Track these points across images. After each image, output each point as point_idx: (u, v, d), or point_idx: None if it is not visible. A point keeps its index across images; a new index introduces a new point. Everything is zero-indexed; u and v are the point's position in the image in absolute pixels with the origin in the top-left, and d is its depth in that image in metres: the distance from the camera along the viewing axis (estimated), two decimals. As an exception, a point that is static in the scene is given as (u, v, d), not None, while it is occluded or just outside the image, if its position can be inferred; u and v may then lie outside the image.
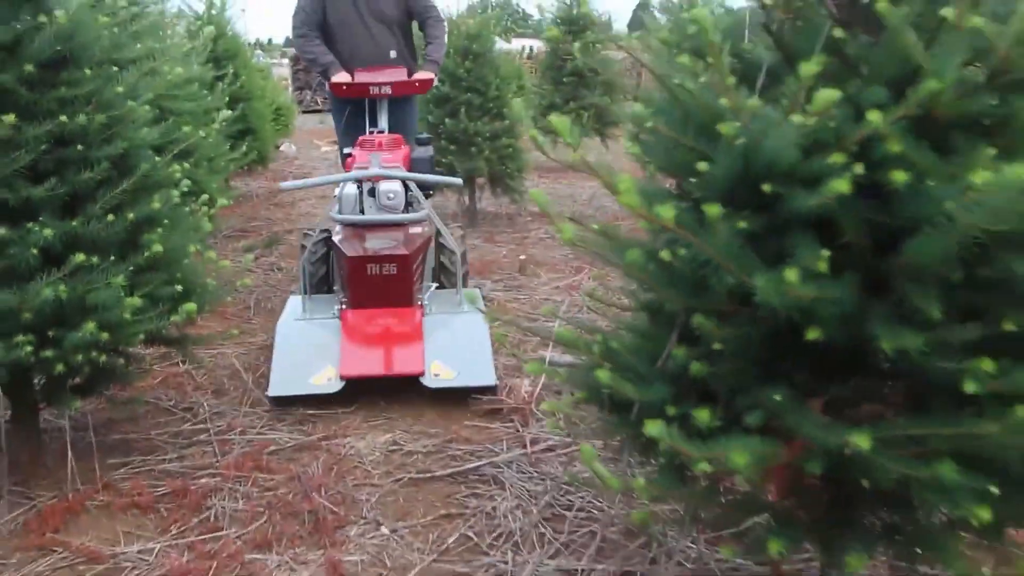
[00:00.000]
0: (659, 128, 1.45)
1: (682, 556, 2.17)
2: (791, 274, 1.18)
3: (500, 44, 7.12)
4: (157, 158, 2.61)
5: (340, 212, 3.53)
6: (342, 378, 3.12)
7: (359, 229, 3.50)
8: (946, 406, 1.34)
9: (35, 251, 2.23)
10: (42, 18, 2.29)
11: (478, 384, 3.18)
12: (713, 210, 1.25)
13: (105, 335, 2.26)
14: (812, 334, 1.29)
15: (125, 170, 2.48)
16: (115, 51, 2.54)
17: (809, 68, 1.25)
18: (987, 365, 1.28)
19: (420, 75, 4.41)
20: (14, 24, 2.30)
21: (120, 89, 2.45)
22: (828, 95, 1.23)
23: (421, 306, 3.48)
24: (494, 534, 2.38)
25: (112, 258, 2.36)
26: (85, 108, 2.37)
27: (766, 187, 1.29)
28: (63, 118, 2.28)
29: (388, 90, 4.24)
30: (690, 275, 1.40)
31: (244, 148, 5.99)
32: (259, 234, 6.25)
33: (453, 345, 3.28)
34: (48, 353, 2.23)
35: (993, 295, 1.34)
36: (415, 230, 3.55)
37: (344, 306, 3.46)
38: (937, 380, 1.32)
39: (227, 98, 5.79)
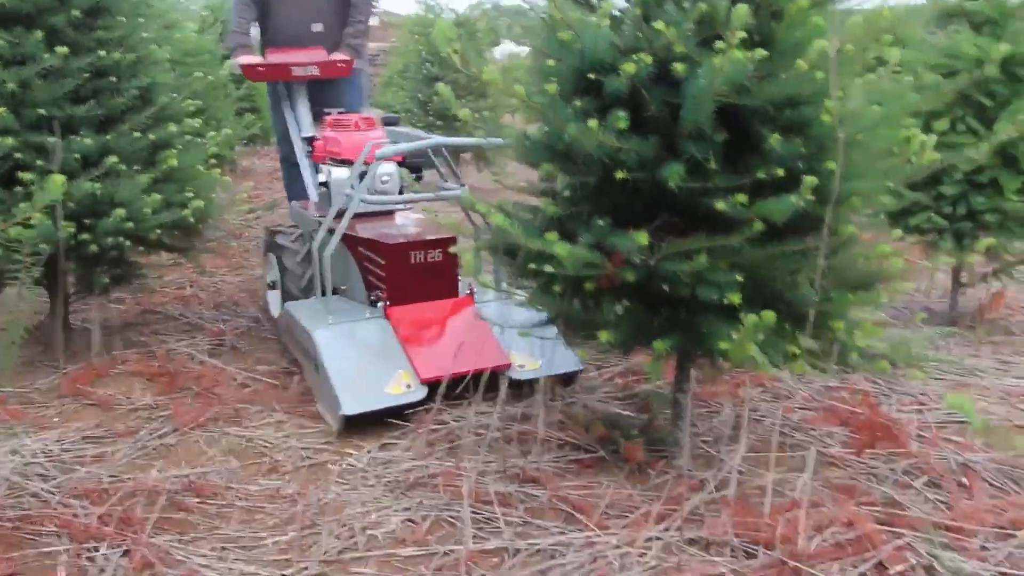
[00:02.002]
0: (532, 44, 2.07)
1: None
2: (592, 123, 1.79)
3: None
4: (174, 94, 3.22)
5: (330, 199, 3.22)
6: (423, 382, 2.72)
7: (370, 217, 3.24)
8: (716, 230, 1.94)
9: (77, 156, 2.85)
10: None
11: (566, 370, 2.94)
12: (551, 88, 1.86)
13: (130, 224, 2.87)
14: (619, 174, 1.90)
15: (148, 100, 3.11)
16: (143, 5, 3.15)
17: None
18: (741, 198, 1.88)
19: (336, 55, 4.10)
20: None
21: (146, 34, 3.08)
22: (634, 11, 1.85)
23: (471, 294, 3.06)
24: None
25: (137, 167, 2.97)
26: (118, 48, 2.99)
27: (591, 75, 1.90)
28: (101, 53, 2.90)
29: (315, 71, 3.92)
30: (545, 143, 2.01)
31: (246, 123, 6.62)
32: (262, 199, 6.89)
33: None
34: (85, 236, 2.84)
35: (750, 154, 1.94)
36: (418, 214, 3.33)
37: (381, 303, 2.98)
38: (708, 211, 1.93)
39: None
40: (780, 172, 1.89)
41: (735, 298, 1.89)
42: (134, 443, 2.61)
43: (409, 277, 2.97)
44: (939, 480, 2.40)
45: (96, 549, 2.02)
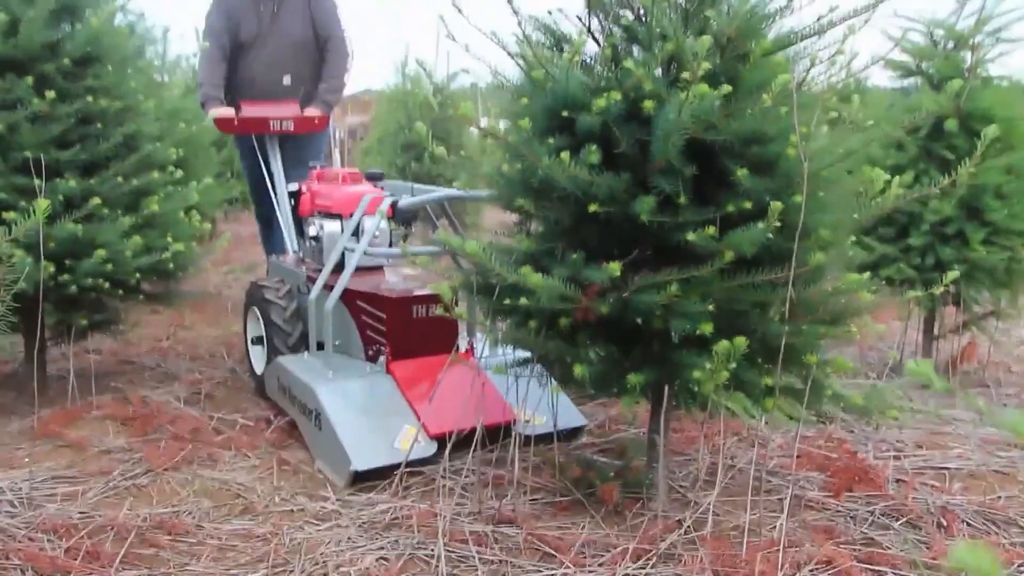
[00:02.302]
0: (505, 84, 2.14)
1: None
2: (565, 156, 1.85)
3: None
4: (157, 143, 3.28)
5: (323, 252, 3.29)
6: (432, 437, 2.67)
7: (361, 272, 3.16)
8: (687, 263, 1.99)
9: (61, 197, 2.88)
10: (78, 25, 3.00)
11: (573, 426, 2.93)
12: (525, 123, 1.93)
13: (110, 266, 2.89)
14: (592, 207, 1.95)
15: (133, 148, 3.16)
16: (132, 57, 3.23)
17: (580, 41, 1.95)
18: (711, 231, 1.94)
19: (310, 111, 4.11)
20: (56, 29, 3.00)
21: (133, 84, 3.14)
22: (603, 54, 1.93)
23: (471, 349, 3.02)
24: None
25: (119, 211, 3.01)
26: (106, 96, 3.05)
27: (564, 112, 1.97)
28: (89, 99, 2.96)
29: (290, 126, 3.93)
30: (520, 179, 2.07)
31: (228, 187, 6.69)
32: (240, 261, 6.92)
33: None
34: (65, 277, 2.85)
35: (719, 189, 2.00)
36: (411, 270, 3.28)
37: (382, 357, 2.94)
38: (679, 245, 1.97)
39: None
40: (748, 205, 1.95)
41: (707, 328, 1.92)
42: (106, 483, 2.58)
43: (411, 331, 2.94)
44: (918, 521, 2.41)
45: (62, 584, 1.98)
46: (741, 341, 1.81)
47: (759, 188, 1.97)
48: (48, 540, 2.17)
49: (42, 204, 1.83)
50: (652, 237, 2.03)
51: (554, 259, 2.08)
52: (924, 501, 2.52)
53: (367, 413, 2.73)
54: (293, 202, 3.75)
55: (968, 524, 2.42)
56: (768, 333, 2.03)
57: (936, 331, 4.06)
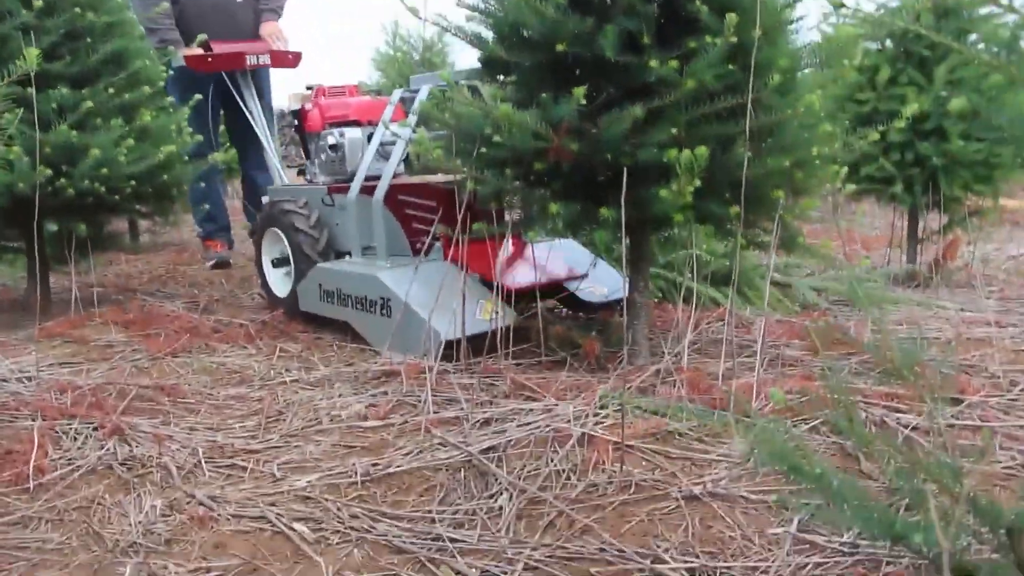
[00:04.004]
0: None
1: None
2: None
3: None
4: (147, 61, 3.37)
5: (346, 160, 3.35)
6: (515, 290, 2.76)
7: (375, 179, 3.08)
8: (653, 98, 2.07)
9: (54, 105, 2.98)
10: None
11: (621, 296, 2.92)
12: None
13: (104, 170, 2.98)
14: (560, 46, 2.03)
15: (122, 64, 3.25)
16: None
17: None
18: (674, 64, 2.02)
19: (265, 27, 4.34)
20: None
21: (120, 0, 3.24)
22: None
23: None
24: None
25: (111, 121, 3.10)
26: (92, 10, 3.14)
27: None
28: (77, 10, 3.05)
29: (267, 59, 3.92)
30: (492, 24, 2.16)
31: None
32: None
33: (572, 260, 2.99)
34: (62, 181, 2.94)
35: (683, 31, 2.09)
36: None
37: (435, 246, 3.00)
38: (644, 84, 2.06)
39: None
40: (709, 39, 2.03)
41: (672, 154, 2.00)
42: (109, 366, 2.67)
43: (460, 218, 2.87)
44: (894, 372, 2.48)
45: (69, 425, 2.07)
46: (703, 151, 1.89)
47: (719, 24, 2.04)
48: (56, 396, 2.27)
49: (32, 53, 1.91)
50: (619, 78, 2.11)
51: (527, 106, 2.17)
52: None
53: (438, 292, 2.66)
54: (296, 121, 3.70)
55: (942, 374, 2.49)
56: (731, 161, 2.11)
57: (920, 234, 4.14)
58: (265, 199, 3.62)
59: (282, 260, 3.38)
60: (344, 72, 22.70)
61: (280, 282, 3.44)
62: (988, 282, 3.90)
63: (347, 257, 3.21)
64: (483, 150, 2.23)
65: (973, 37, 3.67)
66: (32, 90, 2.71)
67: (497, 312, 2.66)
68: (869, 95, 3.85)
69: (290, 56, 4.09)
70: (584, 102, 2.00)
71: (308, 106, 3.62)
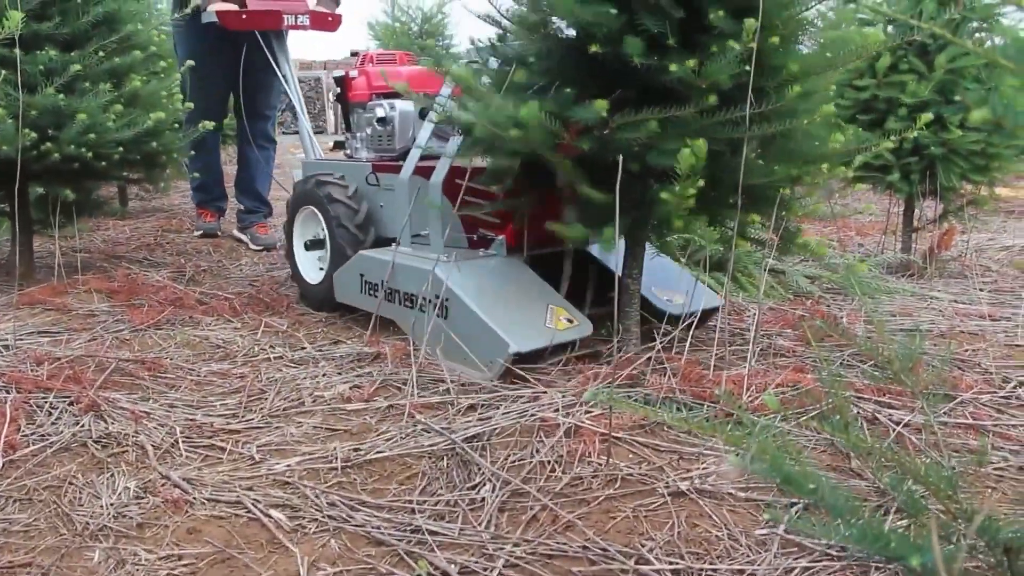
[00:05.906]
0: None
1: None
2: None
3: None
4: (140, 25, 3.28)
5: (396, 134, 3.04)
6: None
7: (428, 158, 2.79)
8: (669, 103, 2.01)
9: (41, 67, 2.90)
10: None
11: (709, 306, 2.73)
12: None
13: (92, 135, 2.91)
14: (593, 47, 1.97)
15: (113, 27, 3.16)
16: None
17: None
18: (691, 63, 1.95)
19: (323, 8, 3.81)
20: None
21: (110, -40, 3.14)
22: None
23: None
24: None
25: (100, 86, 3.02)
26: (82, -30, 3.06)
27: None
28: (64, -32, 2.97)
29: (306, 21, 3.56)
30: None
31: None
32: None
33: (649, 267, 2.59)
34: (47, 146, 2.87)
35: (705, 35, 2.02)
36: None
37: (500, 238, 2.64)
38: (663, 86, 2.00)
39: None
40: (729, 43, 1.97)
41: (689, 159, 1.94)
42: (89, 336, 2.62)
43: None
44: (886, 365, 2.45)
45: (44, 399, 2.03)
46: (701, 145, 1.84)
47: (737, 31, 1.98)
48: (32, 369, 2.22)
49: (15, 16, 1.84)
50: (639, 78, 2.05)
51: (544, 94, 2.10)
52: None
53: (506, 294, 2.43)
54: (339, 89, 3.36)
55: (935, 368, 2.46)
56: (738, 167, 2.06)
57: (916, 223, 4.10)
58: (296, 173, 3.35)
59: (316, 243, 3.05)
60: (340, 41, 22.39)
61: (313, 267, 3.11)
62: (982, 273, 3.87)
63: (394, 245, 2.78)
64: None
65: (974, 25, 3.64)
66: (17, 51, 2.67)
67: (571, 321, 2.39)
68: (868, 82, 3.79)
69: (330, 19, 3.74)
70: (605, 115, 1.94)
71: (353, 73, 3.31)
